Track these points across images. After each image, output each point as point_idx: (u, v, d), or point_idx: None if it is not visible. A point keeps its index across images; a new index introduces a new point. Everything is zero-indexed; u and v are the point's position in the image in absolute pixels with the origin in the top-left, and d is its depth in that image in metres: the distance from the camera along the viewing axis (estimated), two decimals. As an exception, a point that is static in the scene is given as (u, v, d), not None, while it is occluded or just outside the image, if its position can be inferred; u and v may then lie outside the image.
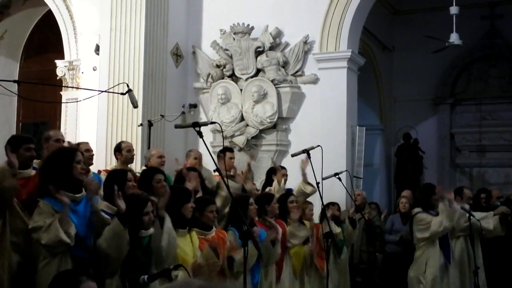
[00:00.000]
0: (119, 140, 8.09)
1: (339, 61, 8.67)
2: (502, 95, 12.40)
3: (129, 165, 6.20)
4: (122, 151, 6.07)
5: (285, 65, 8.84)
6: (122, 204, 3.95)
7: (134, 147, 6.74)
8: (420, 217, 6.67)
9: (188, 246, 4.32)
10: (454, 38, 9.72)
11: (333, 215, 6.80)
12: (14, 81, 4.69)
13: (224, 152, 6.81)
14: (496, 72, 12.58)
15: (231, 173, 6.66)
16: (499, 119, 12.42)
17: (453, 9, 9.56)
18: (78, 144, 5.58)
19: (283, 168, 7.32)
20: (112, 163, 7.25)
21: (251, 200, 5.24)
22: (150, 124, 7.68)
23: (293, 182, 7.16)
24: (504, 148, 12.34)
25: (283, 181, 7.05)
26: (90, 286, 3.05)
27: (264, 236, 5.20)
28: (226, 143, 8.35)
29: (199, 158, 6.74)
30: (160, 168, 5.98)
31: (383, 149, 12.53)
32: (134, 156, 6.41)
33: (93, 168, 5.88)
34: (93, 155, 5.75)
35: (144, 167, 6.34)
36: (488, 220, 6.93)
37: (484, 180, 12.15)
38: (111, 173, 4.78)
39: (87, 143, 5.88)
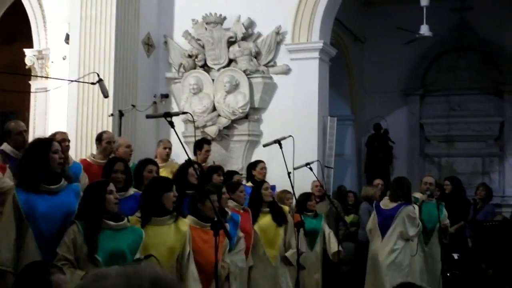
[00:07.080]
0: (89, 130, 8.07)
1: (311, 51, 8.70)
2: (470, 86, 12.58)
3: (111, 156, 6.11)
4: (102, 141, 6.03)
5: (257, 55, 8.84)
6: None
7: (105, 138, 6.66)
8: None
9: (173, 234, 4.28)
10: (424, 29, 9.84)
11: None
12: (-18, 70, 4.60)
13: (202, 144, 6.81)
14: (465, 63, 12.75)
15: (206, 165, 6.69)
16: (467, 110, 12.62)
17: (424, 1, 9.66)
18: (55, 134, 5.52)
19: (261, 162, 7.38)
20: (83, 154, 7.21)
21: (224, 189, 5.31)
22: (121, 114, 7.61)
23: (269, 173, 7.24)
24: (472, 138, 12.55)
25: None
26: (61, 279, 2.99)
27: (238, 219, 5.34)
28: (198, 133, 8.34)
29: (169, 148, 6.83)
30: (128, 158, 5.98)
31: (354, 139, 12.64)
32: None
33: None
34: (68, 145, 5.66)
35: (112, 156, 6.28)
36: None
37: (452, 170, 12.34)
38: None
39: (64, 132, 5.79)
